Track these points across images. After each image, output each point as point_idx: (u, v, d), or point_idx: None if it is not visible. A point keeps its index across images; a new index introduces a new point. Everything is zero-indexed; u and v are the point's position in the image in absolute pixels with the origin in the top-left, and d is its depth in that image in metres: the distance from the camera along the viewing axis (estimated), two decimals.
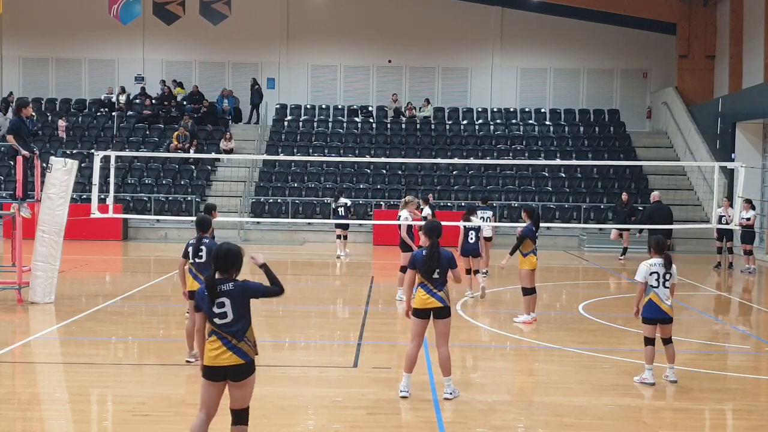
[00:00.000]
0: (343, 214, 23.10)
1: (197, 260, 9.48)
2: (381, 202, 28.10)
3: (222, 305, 5.99)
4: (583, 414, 8.10)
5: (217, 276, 6.09)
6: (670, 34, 32.70)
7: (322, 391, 8.74)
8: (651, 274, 9.11)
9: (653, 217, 20.42)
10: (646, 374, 9.22)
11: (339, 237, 23.05)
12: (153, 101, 32.94)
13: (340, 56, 34.57)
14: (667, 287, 9.12)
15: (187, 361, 9.56)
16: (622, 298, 16.88)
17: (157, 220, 26.90)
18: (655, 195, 21.38)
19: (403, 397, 8.37)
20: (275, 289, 6.21)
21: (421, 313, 8.40)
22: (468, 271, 15.25)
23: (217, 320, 6.00)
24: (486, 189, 29.18)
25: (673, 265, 9.19)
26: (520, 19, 33.99)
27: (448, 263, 8.40)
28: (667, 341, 9.26)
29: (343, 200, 23.50)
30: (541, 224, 17.51)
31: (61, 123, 31.53)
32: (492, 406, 8.29)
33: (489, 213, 18.93)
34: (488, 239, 18.77)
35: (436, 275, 8.34)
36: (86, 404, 8.36)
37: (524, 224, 13.07)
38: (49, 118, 32.41)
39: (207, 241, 9.57)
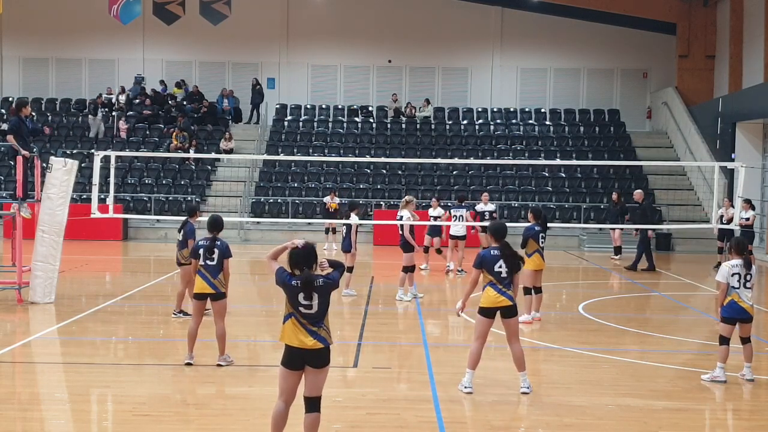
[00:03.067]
0: (332, 210, 25.16)
1: (209, 262, 9.47)
2: (381, 202, 28.11)
3: (310, 298, 6.39)
4: (583, 414, 8.10)
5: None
6: (670, 34, 32.69)
7: (325, 392, 8.72)
8: (733, 275, 9.21)
9: (647, 215, 20.62)
10: (717, 372, 9.31)
11: (328, 230, 24.94)
12: (152, 101, 32.91)
13: (340, 56, 34.56)
14: (749, 288, 9.25)
15: (187, 363, 9.55)
16: (623, 298, 16.89)
17: (157, 220, 26.89)
18: (640, 194, 21.46)
19: (468, 393, 8.53)
20: (342, 268, 6.69)
21: (490, 312, 8.56)
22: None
23: (302, 309, 6.40)
24: (486, 189, 29.18)
25: (753, 266, 9.37)
26: (520, 19, 33.98)
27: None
28: (745, 340, 9.38)
29: (337, 199, 25.49)
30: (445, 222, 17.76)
31: (122, 125, 31.46)
32: (492, 406, 8.29)
33: (463, 212, 18.96)
34: (462, 238, 18.81)
35: (504, 275, 8.50)
36: (86, 404, 8.36)
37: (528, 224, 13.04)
38: (49, 117, 32.42)
39: (219, 243, 9.55)
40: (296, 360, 6.41)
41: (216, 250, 9.49)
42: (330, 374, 9.63)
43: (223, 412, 7.96)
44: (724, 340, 9.31)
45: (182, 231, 12.29)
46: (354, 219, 15.12)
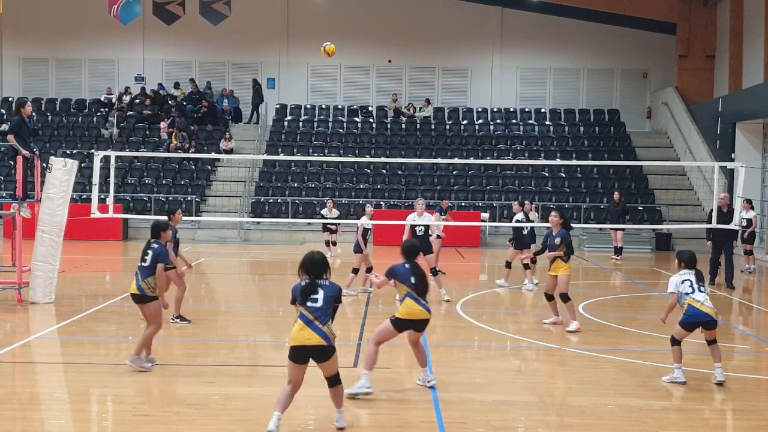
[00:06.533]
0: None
1: (142, 264, 9.53)
2: (381, 202, 28.11)
3: (317, 292, 7.10)
4: (583, 414, 8.10)
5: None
6: (670, 34, 32.70)
7: (322, 391, 8.71)
8: (683, 282, 9.16)
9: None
10: (676, 373, 9.21)
11: (328, 243, 23.16)
12: (152, 101, 32.91)
13: (340, 56, 34.20)
14: (703, 291, 9.15)
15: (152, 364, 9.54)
16: (623, 298, 16.89)
17: None
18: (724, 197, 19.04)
19: (367, 394, 8.37)
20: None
21: (404, 325, 8.56)
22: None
23: (309, 304, 7.07)
24: (486, 189, 29.21)
25: (706, 282, 9.37)
26: (520, 19, 33.99)
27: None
28: (711, 342, 9.26)
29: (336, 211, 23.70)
30: (541, 224, 17.47)
31: (163, 124, 31.39)
32: (492, 406, 8.29)
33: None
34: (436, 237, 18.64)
35: (420, 286, 8.57)
36: (86, 404, 8.36)
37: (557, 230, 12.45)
38: (49, 117, 32.42)
39: (156, 246, 9.58)
40: (300, 356, 7.05)
41: (149, 252, 9.54)
42: None
43: (223, 412, 7.96)
44: (676, 342, 9.21)
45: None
46: (363, 220, 15.16)
